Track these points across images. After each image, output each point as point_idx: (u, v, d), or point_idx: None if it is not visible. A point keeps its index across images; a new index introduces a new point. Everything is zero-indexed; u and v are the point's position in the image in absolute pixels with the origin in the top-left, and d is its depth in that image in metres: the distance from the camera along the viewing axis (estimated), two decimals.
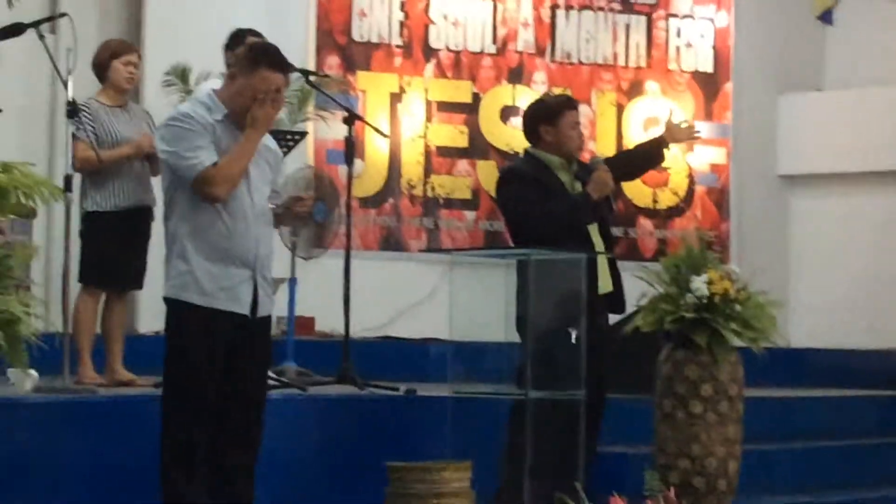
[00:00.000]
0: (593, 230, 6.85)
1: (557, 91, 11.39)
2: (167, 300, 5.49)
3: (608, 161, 7.09)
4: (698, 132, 7.52)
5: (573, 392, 6.18)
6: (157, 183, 6.99)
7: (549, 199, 6.70)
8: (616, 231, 11.72)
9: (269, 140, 5.69)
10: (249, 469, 5.55)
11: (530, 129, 6.96)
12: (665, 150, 7.29)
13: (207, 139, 5.41)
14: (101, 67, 7.53)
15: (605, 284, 6.81)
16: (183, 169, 5.39)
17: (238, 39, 7.41)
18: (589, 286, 6.50)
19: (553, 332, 6.32)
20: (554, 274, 6.34)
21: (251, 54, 5.54)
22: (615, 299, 6.93)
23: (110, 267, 7.34)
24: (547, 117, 6.89)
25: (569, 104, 7.07)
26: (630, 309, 7.10)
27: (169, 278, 5.49)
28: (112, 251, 7.31)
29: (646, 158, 7.36)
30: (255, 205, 5.50)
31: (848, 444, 8.57)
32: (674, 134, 7.30)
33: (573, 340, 6.35)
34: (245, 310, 5.47)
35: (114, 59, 7.52)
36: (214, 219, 5.42)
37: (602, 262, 6.78)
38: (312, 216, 7.54)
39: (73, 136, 7.11)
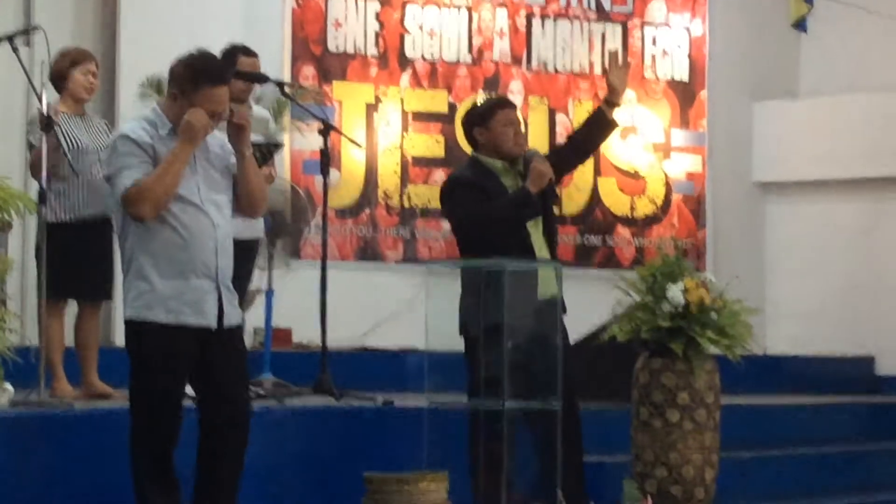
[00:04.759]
0: (536, 232, 6.60)
1: (534, 100, 11.42)
2: (130, 322, 5.42)
3: (558, 149, 6.93)
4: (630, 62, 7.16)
5: (549, 402, 6.16)
6: None
7: (489, 202, 6.52)
8: (594, 239, 11.81)
9: (215, 144, 5.56)
10: (235, 483, 5.54)
11: (467, 135, 6.79)
12: (611, 110, 6.90)
13: (138, 159, 5.35)
14: (59, 77, 7.45)
15: (548, 288, 6.49)
16: (114, 193, 5.39)
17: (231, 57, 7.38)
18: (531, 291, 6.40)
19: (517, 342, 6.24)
20: (511, 283, 6.18)
21: (190, 74, 5.42)
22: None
23: (73, 277, 7.26)
24: (478, 120, 6.72)
25: (500, 104, 6.89)
26: (607, 318, 7.09)
27: (130, 299, 5.42)
28: (74, 261, 7.23)
29: (596, 129, 6.99)
30: (212, 216, 5.44)
31: (825, 452, 8.58)
32: (615, 81, 6.93)
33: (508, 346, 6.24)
34: (212, 322, 5.44)
35: (72, 69, 7.46)
36: (170, 233, 5.37)
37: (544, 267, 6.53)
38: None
39: (31, 144, 7.10)
